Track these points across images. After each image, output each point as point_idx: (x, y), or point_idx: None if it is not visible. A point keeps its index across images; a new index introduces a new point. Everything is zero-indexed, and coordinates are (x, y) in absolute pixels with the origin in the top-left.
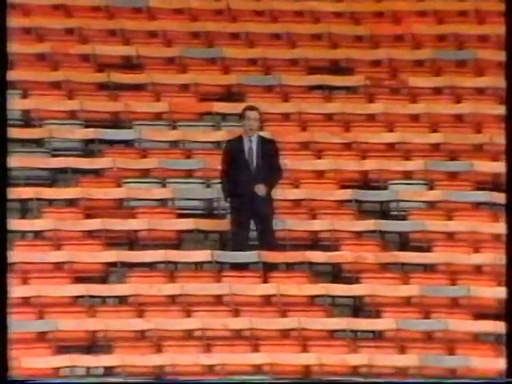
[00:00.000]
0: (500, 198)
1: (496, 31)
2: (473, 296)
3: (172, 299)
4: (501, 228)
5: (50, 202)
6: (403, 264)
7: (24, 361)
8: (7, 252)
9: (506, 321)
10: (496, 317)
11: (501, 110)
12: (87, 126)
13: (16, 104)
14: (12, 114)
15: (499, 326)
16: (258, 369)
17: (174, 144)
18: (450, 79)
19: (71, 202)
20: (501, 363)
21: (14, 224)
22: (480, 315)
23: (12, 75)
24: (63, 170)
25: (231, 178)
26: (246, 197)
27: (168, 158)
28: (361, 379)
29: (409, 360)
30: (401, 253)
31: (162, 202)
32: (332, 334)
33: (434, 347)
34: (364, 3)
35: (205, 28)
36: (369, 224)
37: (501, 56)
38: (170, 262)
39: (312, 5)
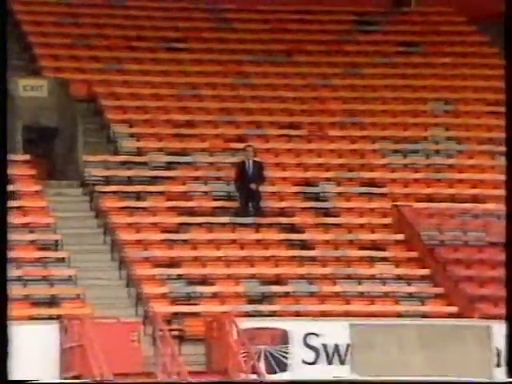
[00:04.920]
0: (375, 190)
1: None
2: (361, 239)
3: (210, 241)
4: (376, 205)
5: (151, 193)
6: (326, 224)
7: (138, 271)
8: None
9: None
10: (373, 249)
11: (376, 146)
12: (168, 155)
13: (133, 144)
14: (130, 149)
15: (377, 253)
16: (253, 276)
17: (211, 164)
18: (348, 132)
19: (160, 193)
20: (373, 270)
21: (134, 204)
22: (364, 248)
23: (129, 129)
24: (156, 177)
25: (239, 181)
26: (246, 190)
27: (208, 171)
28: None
29: (327, 270)
30: (325, 218)
31: (205, 193)
32: (290, 258)
33: (342, 264)
34: (306, 91)
35: (227, 105)
36: (309, 203)
37: (385, 119)
38: (208, 223)
39: (280, 93)
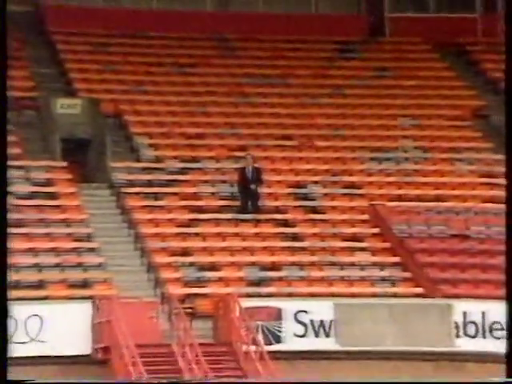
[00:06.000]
0: (355, 191)
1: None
2: (343, 232)
3: (217, 234)
4: (355, 204)
5: (167, 194)
6: (314, 219)
7: (156, 259)
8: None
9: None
10: (353, 240)
11: (356, 154)
12: (182, 162)
13: (152, 152)
14: (150, 157)
15: (356, 244)
16: (252, 263)
17: (218, 169)
18: (332, 143)
19: (175, 194)
20: (353, 258)
21: (153, 203)
22: (346, 240)
23: (149, 141)
24: (172, 180)
25: (241, 183)
26: (247, 191)
27: (215, 175)
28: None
29: (314, 258)
30: (313, 214)
31: (213, 193)
32: (284, 248)
33: (327, 253)
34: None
35: (231, 120)
36: (300, 203)
37: (363, 132)
38: (215, 219)
39: (276, 110)
